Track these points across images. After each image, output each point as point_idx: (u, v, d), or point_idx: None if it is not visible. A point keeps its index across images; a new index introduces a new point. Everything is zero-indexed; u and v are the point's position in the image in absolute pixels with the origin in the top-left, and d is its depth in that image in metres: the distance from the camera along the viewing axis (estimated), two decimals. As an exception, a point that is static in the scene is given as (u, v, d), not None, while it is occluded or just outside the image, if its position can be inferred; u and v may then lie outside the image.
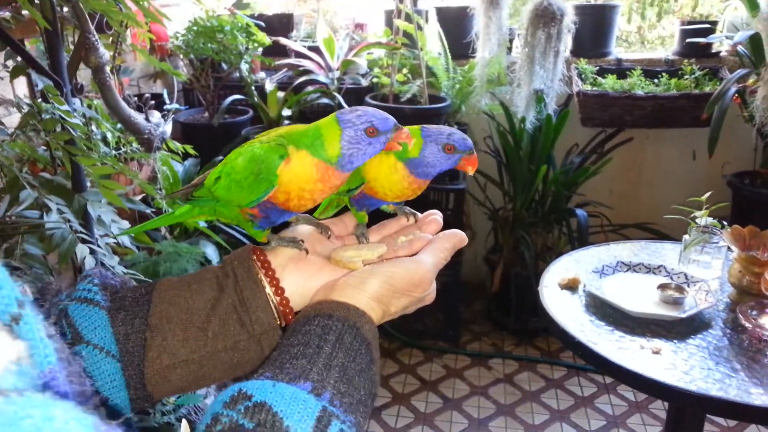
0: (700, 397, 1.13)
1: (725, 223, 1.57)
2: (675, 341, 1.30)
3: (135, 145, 1.68)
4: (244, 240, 2.08)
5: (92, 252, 1.22)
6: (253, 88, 2.69)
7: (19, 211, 1.24)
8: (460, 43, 2.76)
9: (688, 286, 1.47)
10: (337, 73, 2.75)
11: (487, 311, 3.03)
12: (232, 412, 0.42)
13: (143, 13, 1.31)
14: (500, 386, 2.52)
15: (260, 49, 2.65)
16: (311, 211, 0.64)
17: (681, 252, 1.61)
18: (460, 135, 0.66)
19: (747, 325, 1.30)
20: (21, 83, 1.81)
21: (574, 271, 1.55)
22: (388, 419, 2.33)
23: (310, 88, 2.70)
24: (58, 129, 1.22)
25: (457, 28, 2.78)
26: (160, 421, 1.55)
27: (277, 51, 2.81)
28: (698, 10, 3.01)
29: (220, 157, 2.25)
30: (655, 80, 2.69)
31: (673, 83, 2.63)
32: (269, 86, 2.73)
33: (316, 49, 2.84)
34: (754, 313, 1.34)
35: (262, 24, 2.60)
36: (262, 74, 2.92)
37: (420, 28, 2.58)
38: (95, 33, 1.37)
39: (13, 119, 1.73)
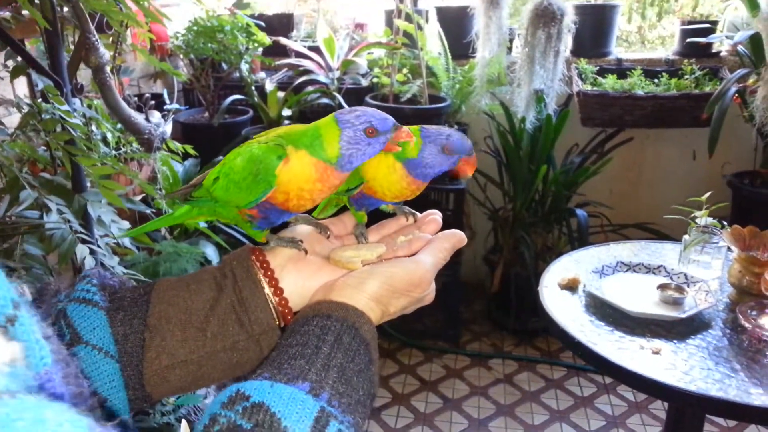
0: (700, 398, 1.13)
1: (725, 223, 1.57)
2: (675, 341, 1.29)
3: (135, 145, 1.68)
4: (244, 240, 2.09)
5: (92, 252, 1.22)
6: (253, 88, 2.69)
7: (19, 212, 1.24)
8: (460, 43, 2.76)
9: (688, 286, 1.47)
10: (337, 73, 2.75)
11: (486, 311, 3.02)
12: (230, 412, 0.42)
13: (143, 13, 1.31)
14: (500, 386, 2.52)
15: (260, 49, 2.65)
16: (310, 211, 0.64)
17: (681, 252, 1.61)
18: (459, 136, 0.66)
19: (747, 325, 1.30)
20: (21, 83, 1.81)
21: (574, 271, 1.55)
22: (387, 419, 2.33)
23: (310, 88, 2.70)
24: (58, 129, 1.22)
25: (457, 28, 2.78)
26: (159, 421, 1.55)
27: (277, 51, 2.81)
28: (698, 10, 3.01)
29: (220, 157, 2.25)
30: (656, 80, 2.68)
31: (674, 83, 2.63)
32: (269, 86, 2.73)
33: (316, 49, 2.84)
34: (754, 313, 1.33)
35: (262, 24, 2.60)
36: (262, 74, 2.92)
37: (420, 28, 2.58)
38: (95, 33, 1.37)
39: (13, 119, 1.73)
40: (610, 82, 2.65)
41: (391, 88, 2.68)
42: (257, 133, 0.63)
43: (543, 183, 2.66)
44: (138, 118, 1.52)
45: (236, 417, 0.41)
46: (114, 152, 1.65)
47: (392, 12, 2.70)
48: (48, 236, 1.21)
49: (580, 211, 2.60)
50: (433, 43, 2.70)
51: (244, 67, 2.60)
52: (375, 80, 2.75)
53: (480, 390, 2.50)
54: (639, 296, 1.45)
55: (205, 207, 0.65)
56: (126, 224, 1.40)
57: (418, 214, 0.69)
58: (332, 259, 0.60)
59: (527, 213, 2.73)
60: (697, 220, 1.59)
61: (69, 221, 1.19)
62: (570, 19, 2.44)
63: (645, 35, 3.36)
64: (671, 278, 1.52)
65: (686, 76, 2.66)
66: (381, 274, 0.56)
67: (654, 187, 3.05)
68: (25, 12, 1.30)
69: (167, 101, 2.39)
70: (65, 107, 1.22)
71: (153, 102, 1.77)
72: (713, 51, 2.82)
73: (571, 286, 1.52)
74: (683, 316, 1.34)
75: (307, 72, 2.74)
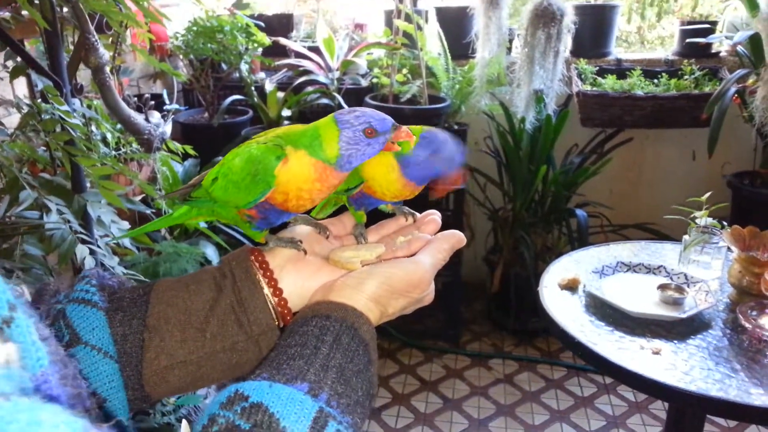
0: (700, 398, 1.13)
1: (725, 223, 1.57)
2: (675, 341, 1.29)
3: (135, 145, 1.68)
4: (244, 240, 2.08)
5: (92, 252, 1.22)
6: (252, 88, 2.69)
7: (19, 212, 1.24)
8: (460, 43, 2.76)
9: (688, 286, 1.47)
10: (336, 74, 2.75)
11: (487, 311, 3.02)
12: (228, 413, 0.42)
13: (143, 14, 1.31)
14: (500, 386, 2.52)
15: (260, 50, 2.65)
16: (309, 211, 0.64)
17: (681, 252, 1.61)
18: (451, 151, 0.65)
19: (747, 325, 1.30)
20: (21, 83, 1.81)
21: (574, 272, 1.55)
22: (388, 419, 2.33)
23: (309, 89, 2.70)
24: (58, 129, 1.22)
25: (457, 28, 2.78)
26: (160, 421, 1.55)
27: (276, 51, 2.81)
28: (698, 10, 3.01)
29: (220, 158, 2.25)
30: (655, 80, 2.68)
31: (673, 83, 2.63)
32: (269, 86, 2.73)
33: (315, 50, 2.84)
34: (754, 313, 1.33)
35: (262, 24, 2.60)
36: (261, 74, 2.92)
37: (420, 28, 2.58)
38: (95, 33, 1.37)
39: (12, 119, 1.73)
40: (609, 83, 2.65)
41: (391, 89, 2.68)
42: (257, 133, 0.63)
43: (543, 183, 2.66)
44: (138, 118, 1.52)
45: (235, 417, 0.41)
46: (114, 152, 1.65)
47: (392, 12, 2.70)
48: (48, 236, 1.21)
49: (579, 212, 2.60)
50: (432, 43, 2.70)
51: (244, 67, 2.60)
52: (375, 80, 2.75)
53: (480, 390, 2.50)
54: (639, 296, 1.45)
55: (204, 207, 0.65)
56: (126, 224, 1.40)
57: (417, 214, 0.69)
58: (331, 259, 0.60)
59: (527, 213, 2.73)
60: (697, 221, 1.59)
61: (69, 221, 1.19)
62: (570, 20, 2.44)
63: (644, 35, 3.37)
64: (671, 278, 1.52)
65: (686, 77, 2.66)
66: (380, 274, 0.56)
67: (654, 187, 3.05)
68: (24, 12, 1.29)
69: (167, 101, 2.39)
70: (65, 107, 1.22)
71: (153, 102, 1.77)
72: (713, 51, 2.82)
73: (571, 287, 1.51)
74: (683, 316, 1.34)
75: (307, 72, 2.74)
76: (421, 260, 0.58)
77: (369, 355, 0.51)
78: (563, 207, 2.71)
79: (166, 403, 1.59)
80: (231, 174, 0.59)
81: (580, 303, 1.45)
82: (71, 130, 1.23)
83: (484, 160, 2.88)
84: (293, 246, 0.60)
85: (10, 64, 1.39)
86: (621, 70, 2.76)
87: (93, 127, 1.52)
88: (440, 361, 2.70)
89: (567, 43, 2.64)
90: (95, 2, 1.18)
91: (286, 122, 2.68)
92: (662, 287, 1.45)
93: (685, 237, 1.60)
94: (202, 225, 1.53)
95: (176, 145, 1.66)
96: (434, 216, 0.66)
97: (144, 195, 1.76)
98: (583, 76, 2.72)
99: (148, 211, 1.57)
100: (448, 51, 2.71)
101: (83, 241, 1.21)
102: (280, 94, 2.72)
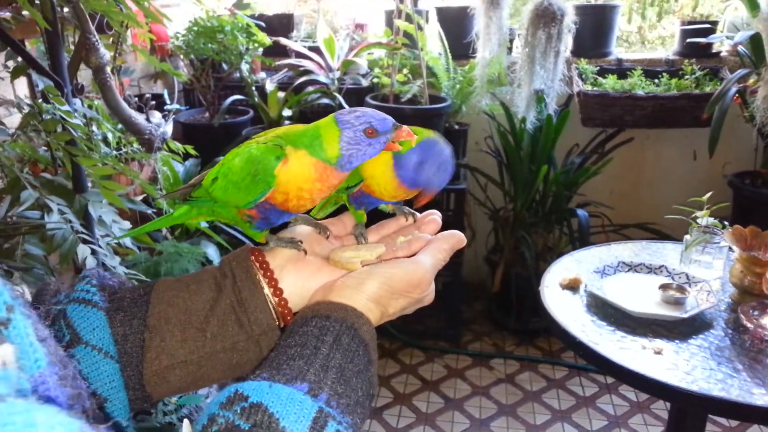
0: (702, 398, 1.12)
1: (726, 223, 1.57)
2: (677, 341, 1.29)
3: (136, 145, 1.68)
4: (245, 240, 2.08)
5: (93, 252, 1.22)
6: (253, 88, 2.69)
7: (20, 212, 1.24)
8: (460, 43, 2.76)
9: (690, 286, 1.46)
10: (337, 74, 2.75)
11: (488, 311, 3.02)
12: (228, 413, 0.42)
13: (144, 14, 1.31)
14: (501, 386, 2.52)
15: (260, 50, 2.65)
16: (309, 210, 0.64)
17: (682, 252, 1.61)
18: (439, 165, 0.64)
19: (749, 325, 1.30)
20: (21, 84, 1.81)
21: (575, 272, 1.55)
22: (389, 419, 2.33)
23: (310, 89, 2.70)
24: (59, 129, 1.22)
25: (457, 28, 2.78)
26: (161, 421, 1.55)
27: (277, 51, 2.81)
28: (698, 10, 3.00)
29: (221, 158, 2.25)
30: (656, 80, 2.68)
31: (674, 83, 2.62)
32: (270, 86, 2.73)
33: (316, 50, 2.84)
34: (756, 313, 1.33)
35: (263, 24, 2.60)
36: (262, 74, 2.92)
37: (420, 28, 2.58)
38: (96, 33, 1.37)
39: (13, 120, 1.73)
40: (610, 83, 2.65)
41: (392, 89, 2.68)
42: (257, 133, 0.63)
43: (543, 183, 2.66)
44: (139, 118, 1.52)
45: (234, 417, 0.41)
46: (115, 152, 1.65)
47: (392, 12, 2.70)
48: (49, 236, 1.21)
49: (580, 211, 2.59)
50: (433, 43, 2.70)
51: (245, 67, 2.60)
52: (375, 80, 2.75)
53: (481, 390, 2.50)
54: (640, 296, 1.45)
55: (204, 207, 0.65)
56: (127, 224, 1.40)
57: (417, 214, 0.68)
58: (332, 259, 0.60)
59: (528, 213, 2.73)
60: (698, 220, 1.59)
61: (70, 221, 1.19)
62: (570, 20, 2.44)
63: (645, 35, 3.36)
64: (673, 278, 1.52)
65: (686, 77, 2.66)
66: (380, 274, 0.56)
67: (655, 187, 3.05)
68: (25, 12, 1.30)
69: (168, 101, 2.39)
70: (66, 108, 1.22)
71: (153, 102, 1.77)
72: (713, 51, 2.82)
73: (572, 286, 1.51)
74: (685, 316, 1.34)
75: (308, 72, 2.74)
76: (422, 260, 0.58)
77: (369, 356, 0.51)
78: (564, 207, 2.71)
79: (167, 403, 1.58)
80: (231, 174, 0.59)
81: (582, 303, 1.45)
82: (72, 130, 1.23)
83: (485, 160, 2.88)
84: (293, 246, 0.60)
85: (10, 64, 1.39)
86: (622, 70, 2.76)
87: (94, 127, 1.52)
88: (441, 360, 2.70)
89: (568, 43, 2.64)
90: (96, 2, 1.18)
91: (286, 122, 2.68)
92: (664, 287, 1.45)
93: (687, 237, 1.59)
94: (204, 225, 1.53)
95: (177, 145, 1.66)
96: (434, 216, 0.66)
97: (145, 195, 1.76)
98: (583, 76, 2.71)
99: (149, 211, 1.57)
100: (448, 51, 2.71)
101: (84, 241, 1.21)
102: (281, 94, 2.72)
